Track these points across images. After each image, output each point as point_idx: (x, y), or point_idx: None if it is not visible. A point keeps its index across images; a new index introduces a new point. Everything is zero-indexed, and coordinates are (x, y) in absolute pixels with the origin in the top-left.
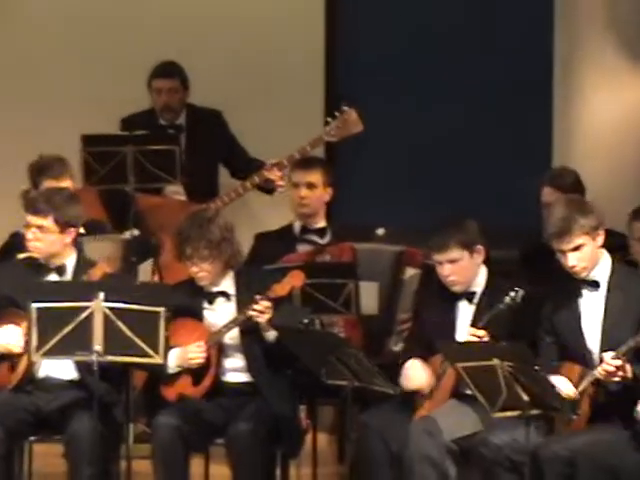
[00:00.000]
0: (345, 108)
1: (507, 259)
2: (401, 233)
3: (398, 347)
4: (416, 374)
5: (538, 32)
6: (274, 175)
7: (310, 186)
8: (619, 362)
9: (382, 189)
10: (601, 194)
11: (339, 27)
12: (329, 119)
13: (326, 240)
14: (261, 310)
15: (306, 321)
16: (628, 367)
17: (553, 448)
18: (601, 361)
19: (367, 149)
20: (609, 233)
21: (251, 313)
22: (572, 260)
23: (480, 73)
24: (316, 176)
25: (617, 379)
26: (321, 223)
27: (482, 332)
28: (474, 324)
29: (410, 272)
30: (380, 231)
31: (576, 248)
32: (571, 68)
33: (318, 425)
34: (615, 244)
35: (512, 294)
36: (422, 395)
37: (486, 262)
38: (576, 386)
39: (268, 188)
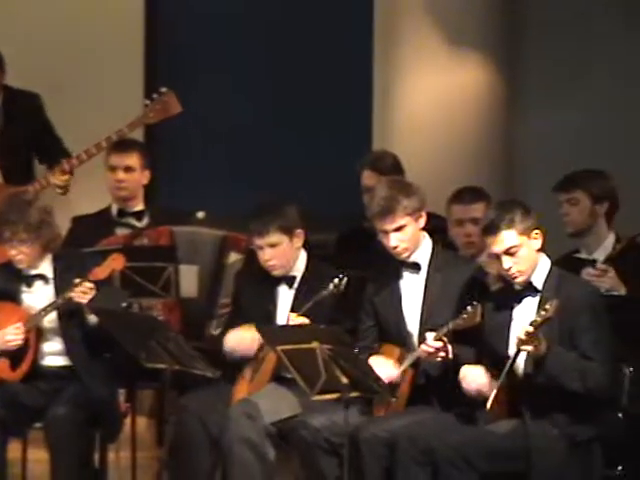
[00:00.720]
0: (164, 90)
1: (326, 243)
2: (221, 216)
3: (218, 331)
4: None
5: (357, 15)
6: (58, 180)
7: (128, 169)
8: (440, 343)
9: (201, 172)
10: (420, 177)
11: (158, 12)
12: (148, 102)
13: (144, 223)
14: (83, 291)
15: (125, 304)
16: (450, 348)
17: (372, 430)
18: (422, 342)
19: (186, 132)
20: (430, 216)
21: (72, 294)
22: (394, 241)
23: (298, 58)
24: (133, 159)
25: (438, 359)
26: (139, 206)
27: (302, 319)
28: (294, 308)
29: (234, 257)
30: (200, 214)
31: (398, 229)
32: (390, 52)
33: (137, 409)
34: (435, 227)
35: (336, 281)
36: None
37: (305, 246)
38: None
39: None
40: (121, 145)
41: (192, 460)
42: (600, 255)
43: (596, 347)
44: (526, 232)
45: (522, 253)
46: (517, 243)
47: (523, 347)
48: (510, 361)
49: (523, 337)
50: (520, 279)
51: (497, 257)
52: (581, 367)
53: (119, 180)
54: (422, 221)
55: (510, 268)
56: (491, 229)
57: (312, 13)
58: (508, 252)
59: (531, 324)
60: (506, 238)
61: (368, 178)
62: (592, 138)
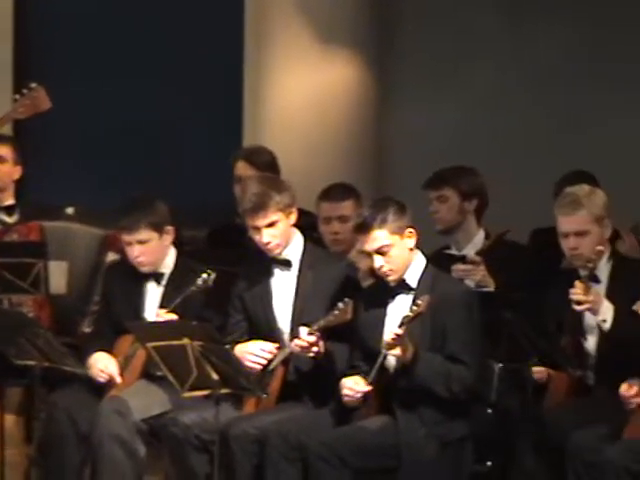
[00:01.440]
0: (33, 86)
1: (197, 239)
2: (91, 212)
3: (89, 329)
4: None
5: (228, 13)
6: None
7: (1, 160)
8: (313, 338)
9: (71, 168)
10: (292, 174)
11: (27, 8)
12: (17, 96)
13: (15, 219)
14: None
15: None
16: (322, 344)
17: (242, 427)
18: (295, 338)
19: (56, 128)
20: (301, 212)
21: None
22: (266, 237)
23: (170, 55)
24: (5, 150)
25: (311, 354)
26: (9, 201)
27: (170, 315)
28: (162, 305)
29: (112, 256)
30: (70, 210)
31: (270, 225)
32: (261, 50)
33: (5, 406)
34: (306, 224)
35: (204, 276)
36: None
37: (175, 243)
38: (267, 364)
39: None
40: None
41: (61, 457)
42: (470, 251)
43: (465, 348)
44: (398, 231)
45: (394, 252)
46: (388, 242)
47: (390, 352)
48: (380, 359)
49: (391, 340)
50: (392, 277)
51: (369, 255)
52: (446, 372)
53: None
54: (293, 217)
55: (381, 267)
56: (363, 228)
57: (183, 11)
58: (379, 251)
59: (403, 319)
60: (377, 237)
61: (241, 169)
62: (464, 135)
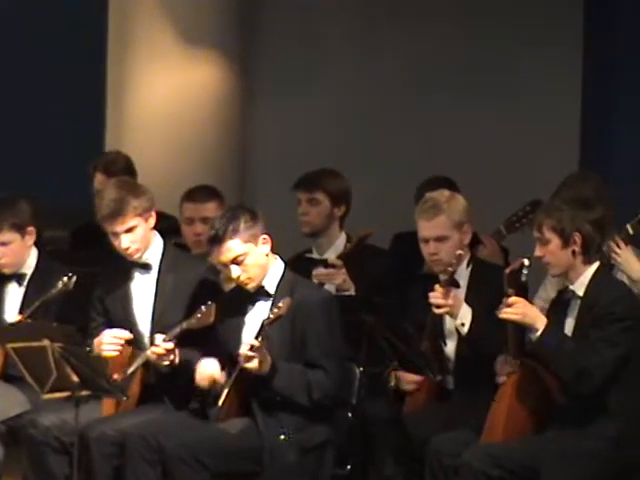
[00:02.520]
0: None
1: (58, 239)
2: None
3: None
4: None
5: (91, 13)
6: None
7: None
8: (170, 345)
9: None
10: (154, 176)
11: None
12: None
13: None
14: None
15: None
16: (177, 351)
17: (101, 429)
18: (152, 343)
19: None
20: (162, 216)
21: None
22: (125, 242)
23: (31, 55)
24: None
25: (167, 362)
26: None
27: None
28: (23, 307)
29: None
30: None
31: (129, 230)
32: (123, 51)
33: None
34: (168, 227)
35: (65, 279)
36: None
37: (36, 243)
38: (128, 367)
39: None
40: None
41: None
42: (331, 255)
43: (326, 354)
44: (252, 239)
45: (249, 260)
46: (242, 252)
47: (247, 365)
48: (239, 366)
49: (247, 352)
50: (250, 285)
51: (225, 265)
52: (306, 381)
53: None
54: (152, 221)
55: (238, 277)
56: (215, 240)
57: (45, 10)
58: (235, 261)
59: (263, 321)
60: (231, 248)
61: (100, 183)
62: (324, 137)
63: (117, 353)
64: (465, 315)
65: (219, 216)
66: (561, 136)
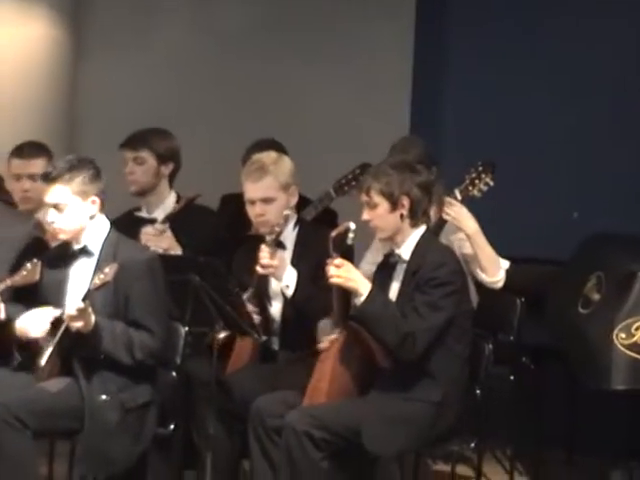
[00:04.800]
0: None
1: None
2: None
3: None
4: None
5: None
6: None
7: None
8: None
9: None
10: None
11: None
12: None
13: None
14: None
15: None
16: (2, 307)
17: None
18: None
19: None
20: None
21: None
22: None
23: None
24: None
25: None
26: None
27: None
28: None
29: None
30: None
31: None
32: None
33: None
34: None
35: None
36: None
37: None
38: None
39: None
40: None
41: None
42: (160, 214)
43: (150, 315)
44: (82, 194)
45: (69, 213)
46: (66, 202)
47: (73, 323)
48: (63, 326)
49: (74, 313)
50: (61, 236)
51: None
52: (128, 340)
53: None
54: None
55: (52, 222)
56: (48, 178)
57: None
58: (56, 207)
59: (90, 286)
60: (57, 192)
61: None
62: (156, 96)
63: None
64: (290, 277)
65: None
66: (392, 101)
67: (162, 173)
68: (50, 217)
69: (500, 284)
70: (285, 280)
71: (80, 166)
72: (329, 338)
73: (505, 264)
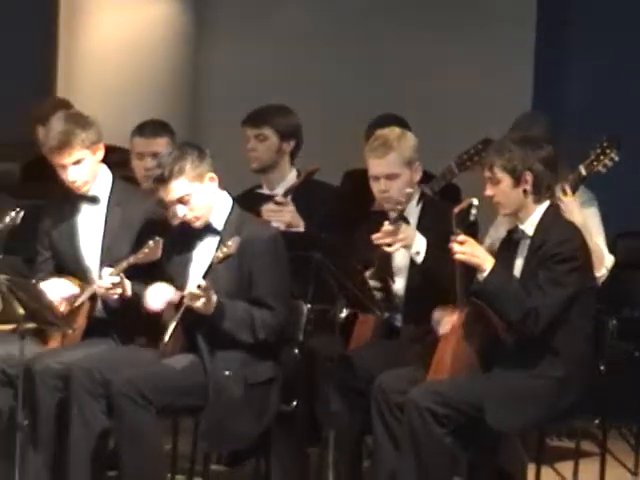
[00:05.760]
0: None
1: (8, 173)
2: None
3: None
4: None
5: None
6: None
7: None
8: (117, 279)
9: None
10: (106, 110)
11: None
12: None
13: None
14: None
15: None
16: (128, 284)
17: (46, 362)
18: (100, 277)
19: None
20: (113, 149)
21: None
22: (72, 175)
23: None
24: None
25: (115, 296)
26: None
27: None
28: None
29: None
30: None
31: (76, 162)
32: None
33: None
34: (118, 160)
35: (12, 214)
36: None
37: None
38: (75, 301)
39: None
40: None
41: None
42: (281, 192)
43: (272, 292)
44: (198, 178)
45: (195, 200)
46: (188, 192)
47: (194, 301)
48: (186, 303)
49: (195, 290)
50: (197, 224)
51: (172, 204)
52: (250, 319)
53: None
54: (100, 154)
55: (185, 215)
56: (161, 180)
57: None
58: (181, 201)
59: (213, 259)
60: (176, 188)
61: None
62: (278, 73)
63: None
64: (420, 244)
65: (166, 154)
66: (514, 77)
67: (284, 150)
68: (180, 212)
69: (601, 279)
70: (415, 247)
71: (183, 153)
72: (449, 319)
73: (609, 261)
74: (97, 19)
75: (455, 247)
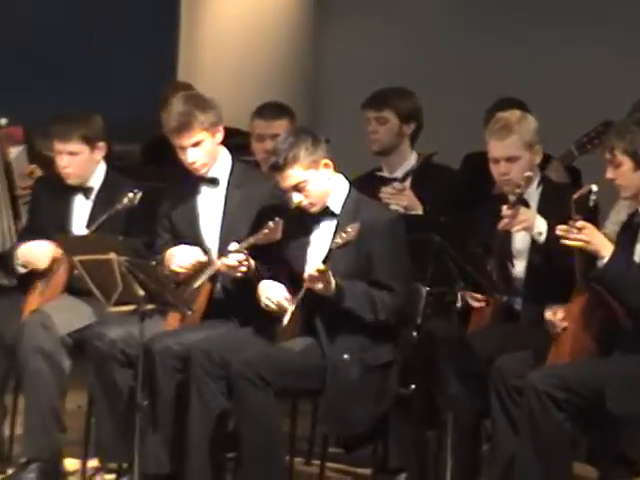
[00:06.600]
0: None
1: (129, 154)
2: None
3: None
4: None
5: None
6: None
7: None
8: (242, 256)
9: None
10: (226, 92)
11: None
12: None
13: None
14: None
15: None
16: (252, 261)
17: (166, 342)
18: (222, 256)
19: None
20: (235, 132)
21: None
22: (192, 156)
23: None
24: None
25: (239, 274)
26: None
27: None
28: (90, 221)
29: (15, 151)
30: (3, 121)
31: (196, 144)
32: None
33: None
34: (238, 143)
35: (130, 195)
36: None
37: (106, 158)
38: (194, 281)
39: None
40: None
41: None
42: (401, 174)
43: (392, 274)
44: (313, 165)
45: (311, 186)
46: (304, 179)
47: (313, 284)
48: (305, 287)
49: (314, 274)
50: (313, 209)
51: (288, 191)
52: (371, 301)
53: None
54: (220, 136)
55: (301, 202)
56: (277, 167)
57: None
58: (296, 188)
59: (332, 245)
60: (292, 175)
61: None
62: (399, 57)
63: (184, 271)
64: (541, 224)
65: (280, 141)
66: (635, 57)
67: (404, 133)
68: (296, 199)
69: None
70: (537, 227)
71: (297, 140)
72: (562, 314)
73: None
74: (218, 4)
75: (574, 233)
